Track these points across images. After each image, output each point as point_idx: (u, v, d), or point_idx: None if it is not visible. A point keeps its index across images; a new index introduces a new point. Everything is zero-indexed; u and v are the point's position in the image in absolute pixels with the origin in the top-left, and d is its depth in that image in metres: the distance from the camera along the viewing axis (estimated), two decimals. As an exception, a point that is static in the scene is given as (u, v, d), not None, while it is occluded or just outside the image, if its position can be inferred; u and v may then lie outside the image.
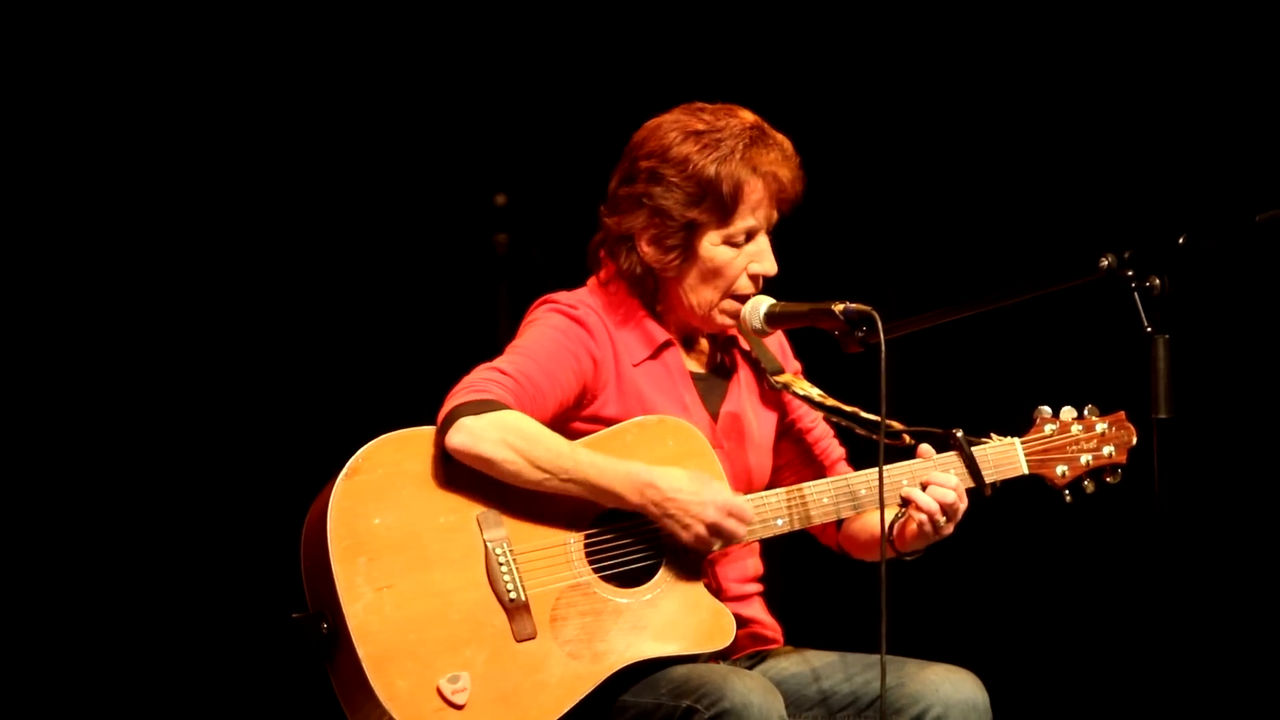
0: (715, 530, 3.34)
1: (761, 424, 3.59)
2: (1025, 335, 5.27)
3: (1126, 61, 5.20)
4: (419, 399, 3.44)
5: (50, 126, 4.74)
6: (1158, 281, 3.25)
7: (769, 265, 3.47)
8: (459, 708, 3.20)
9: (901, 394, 5.04)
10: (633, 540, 3.36)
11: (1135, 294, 3.25)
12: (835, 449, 3.67)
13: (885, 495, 3.41)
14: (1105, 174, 5.21)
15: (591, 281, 3.56)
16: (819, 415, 3.62)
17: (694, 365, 3.57)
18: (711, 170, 3.40)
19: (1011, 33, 5.28)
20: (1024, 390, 5.29)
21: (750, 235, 3.46)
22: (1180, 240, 3.27)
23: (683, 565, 3.37)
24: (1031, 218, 5.28)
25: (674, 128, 3.45)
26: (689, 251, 3.46)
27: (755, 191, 3.43)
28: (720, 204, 3.42)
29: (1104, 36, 5.21)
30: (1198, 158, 5.10)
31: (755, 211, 3.45)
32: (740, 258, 3.47)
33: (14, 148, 4.72)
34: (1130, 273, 3.26)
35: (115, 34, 4.77)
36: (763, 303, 3.48)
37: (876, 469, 3.40)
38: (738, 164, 3.41)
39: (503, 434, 3.26)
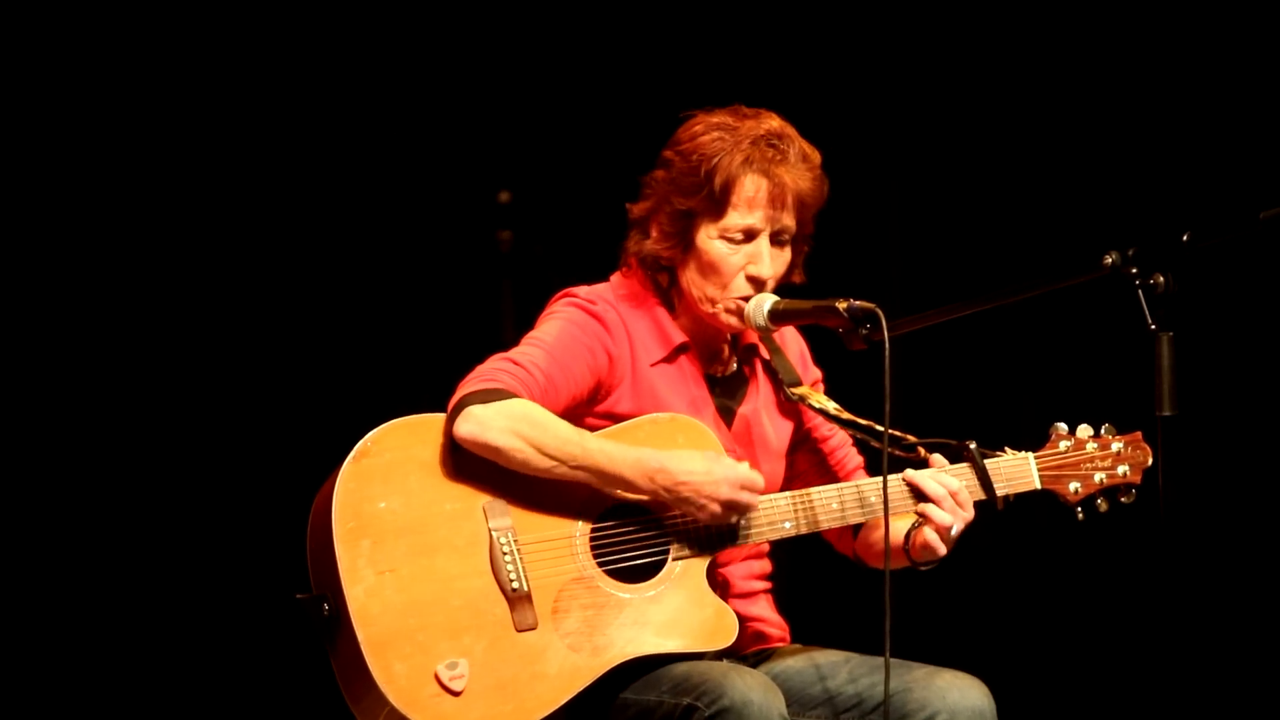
0: (730, 506, 3.33)
1: (777, 431, 3.59)
2: (1029, 334, 5.27)
3: (1130, 59, 5.21)
4: (424, 395, 3.44)
5: (59, 127, 4.75)
6: (1162, 279, 3.24)
7: (762, 268, 3.45)
8: (456, 694, 3.19)
9: (910, 398, 5.06)
10: (639, 535, 3.35)
11: (1139, 291, 3.25)
12: (853, 458, 3.67)
13: (894, 502, 3.40)
14: (1109, 172, 5.22)
15: (615, 277, 3.56)
16: (837, 425, 3.61)
17: (711, 370, 3.57)
18: (710, 162, 3.41)
19: (1015, 30, 5.29)
20: (1028, 389, 5.29)
21: (750, 235, 3.45)
22: (1184, 238, 3.27)
23: (688, 562, 3.36)
24: (1036, 215, 5.29)
25: (704, 122, 3.47)
26: (687, 241, 3.46)
27: (748, 189, 3.42)
28: (713, 195, 3.42)
29: (1107, 34, 5.22)
30: (1202, 155, 5.11)
31: (752, 210, 3.43)
32: (737, 256, 3.45)
33: (14, 148, 4.72)
34: (1134, 270, 3.25)
35: (118, 33, 4.78)
36: (766, 300, 3.47)
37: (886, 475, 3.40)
38: (735, 159, 3.41)
39: (510, 422, 3.25)
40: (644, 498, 3.33)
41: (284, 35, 4.93)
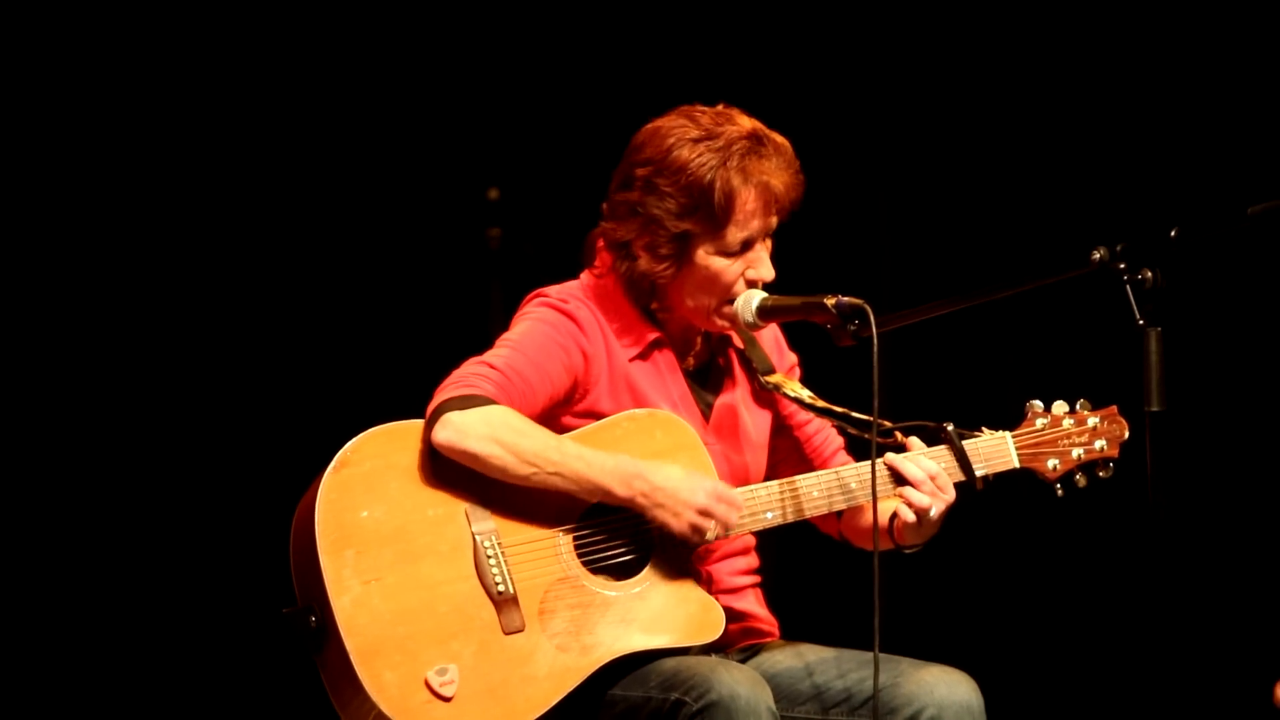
0: (707, 515, 3.32)
1: (756, 421, 3.59)
2: (1018, 329, 5.27)
3: (1118, 55, 5.20)
4: (412, 394, 3.44)
5: (45, 126, 4.75)
6: (1150, 274, 3.24)
7: (766, 272, 3.45)
8: (447, 700, 3.20)
9: (894, 389, 5.06)
10: (622, 533, 3.36)
11: (1128, 287, 3.25)
12: (833, 440, 3.66)
13: (877, 488, 3.40)
14: (1098, 167, 5.21)
15: (585, 275, 3.54)
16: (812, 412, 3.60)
17: (686, 364, 3.56)
18: (705, 181, 3.37)
19: (1003, 27, 5.28)
20: (1017, 384, 5.29)
21: (746, 245, 3.44)
22: (1173, 233, 3.27)
23: (672, 558, 3.37)
24: (1024, 211, 5.29)
25: (671, 134, 3.42)
26: (683, 260, 3.44)
27: (748, 202, 3.40)
28: (712, 215, 3.39)
29: (1096, 30, 5.21)
30: (1190, 150, 5.10)
31: (750, 222, 3.41)
32: (736, 264, 3.44)
33: (14, 148, 4.72)
34: (1123, 265, 3.25)
35: (109, 28, 4.77)
36: (754, 296, 3.47)
37: (868, 462, 3.40)
38: (731, 175, 3.37)
39: (489, 429, 3.25)
40: (619, 502, 3.33)
41: (273, 34, 4.92)
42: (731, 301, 3.47)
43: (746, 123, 3.43)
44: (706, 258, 3.43)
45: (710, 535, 3.34)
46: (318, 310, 4.98)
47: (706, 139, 3.40)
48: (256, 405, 4.92)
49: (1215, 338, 5.09)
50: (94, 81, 4.78)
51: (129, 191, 4.85)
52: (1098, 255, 3.28)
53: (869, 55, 5.35)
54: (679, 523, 3.32)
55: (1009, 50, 5.28)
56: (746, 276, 3.45)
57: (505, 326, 3.50)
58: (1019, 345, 5.31)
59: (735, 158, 3.38)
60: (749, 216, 3.41)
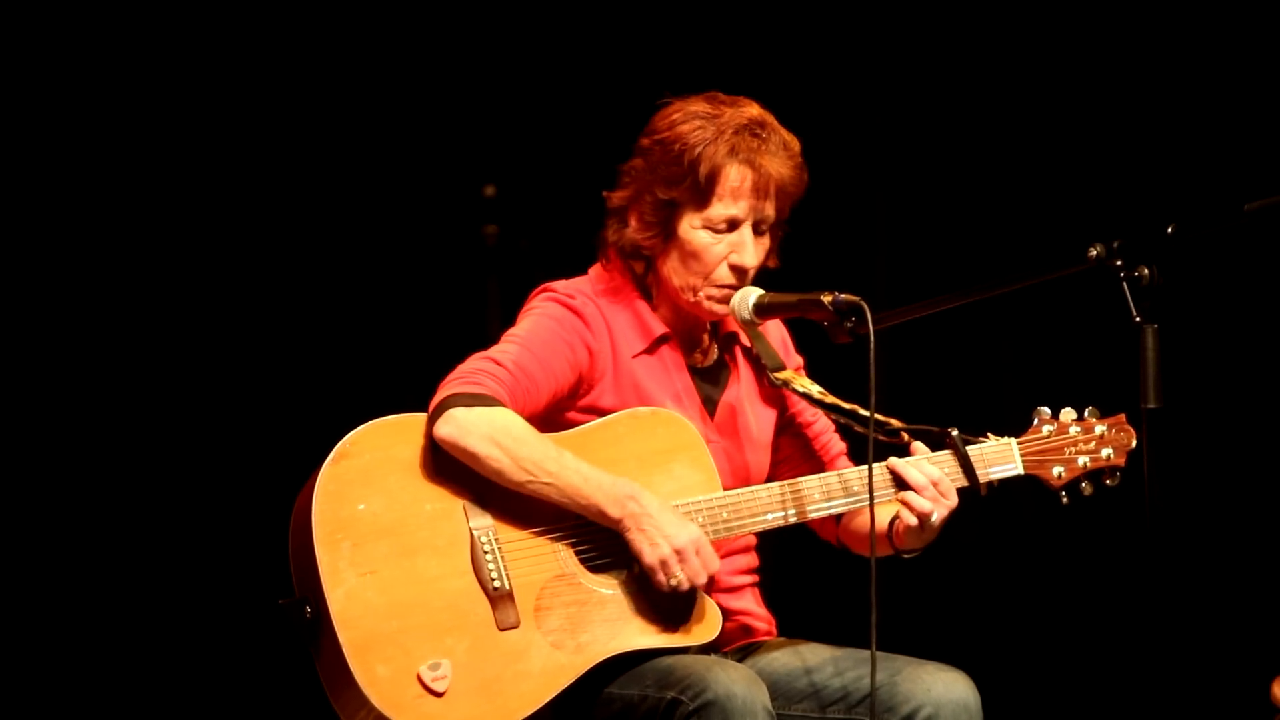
0: (681, 558, 3.28)
1: (760, 420, 3.59)
2: (1014, 325, 5.28)
3: (1114, 51, 5.21)
4: (409, 391, 3.44)
5: (44, 126, 4.75)
6: (1146, 271, 3.25)
7: (746, 257, 3.45)
8: (439, 695, 3.19)
9: (890, 385, 5.06)
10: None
11: (1124, 284, 3.25)
12: (836, 444, 3.67)
13: (877, 491, 3.40)
14: (1094, 164, 5.22)
15: (593, 269, 3.56)
16: (820, 410, 3.60)
17: (692, 360, 3.57)
18: (694, 152, 3.40)
19: (1000, 23, 5.29)
20: (1013, 380, 5.30)
21: (733, 225, 3.44)
22: (1169, 230, 3.28)
23: (670, 558, 3.37)
24: (1021, 208, 5.29)
25: (681, 110, 3.46)
26: (668, 230, 3.45)
27: (733, 179, 3.41)
28: (696, 185, 3.41)
29: (1092, 26, 5.22)
30: (1186, 147, 5.11)
31: (736, 200, 3.43)
32: (720, 245, 3.45)
33: (13, 148, 4.72)
34: (1119, 262, 3.26)
35: (108, 28, 4.78)
36: (751, 293, 3.47)
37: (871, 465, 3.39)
38: (719, 149, 3.40)
39: (490, 430, 3.25)
40: (609, 523, 3.30)
41: (270, 31, 4.93)
42: (719, 286, 3.47)
43: (755, 111, 3.47)
44: (690, 230, 3.44)
45: (674, 581, 3.29)
46: (316, 306, 4.99)
47: (711, 117, 3.43)
48: (256, 399, 4.92)
49: (1212, 334, 5.09)
50: (93, 81, 4.78)
51: (128, 190, 4.85)
52: (1094, 252, 3.29)
53: (864, 52, 5.36)
54: (652, 552, 3.28)
55: (1004, 46, 5.29)
56: (730, 260, 3.45)
57: (501, 323, 3.50)
58: (1015, 342, 5.32)
59: (728, 133, 3.41)
60: (735, 193, 3.42)
